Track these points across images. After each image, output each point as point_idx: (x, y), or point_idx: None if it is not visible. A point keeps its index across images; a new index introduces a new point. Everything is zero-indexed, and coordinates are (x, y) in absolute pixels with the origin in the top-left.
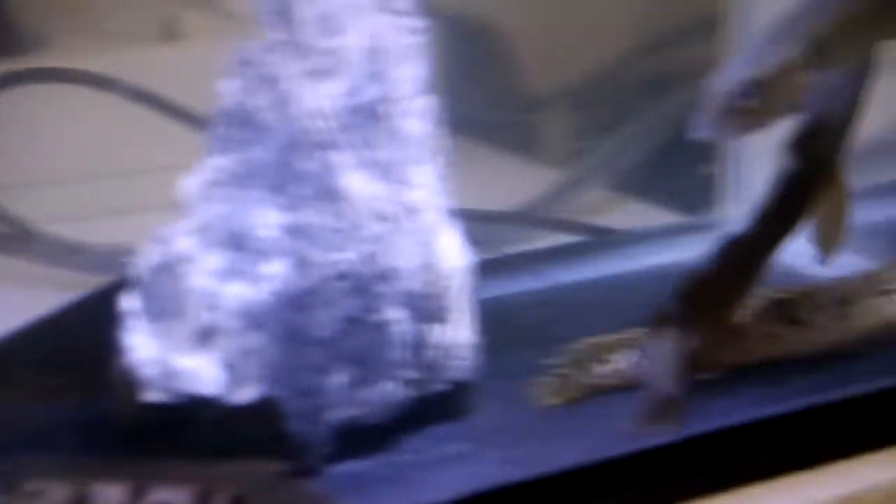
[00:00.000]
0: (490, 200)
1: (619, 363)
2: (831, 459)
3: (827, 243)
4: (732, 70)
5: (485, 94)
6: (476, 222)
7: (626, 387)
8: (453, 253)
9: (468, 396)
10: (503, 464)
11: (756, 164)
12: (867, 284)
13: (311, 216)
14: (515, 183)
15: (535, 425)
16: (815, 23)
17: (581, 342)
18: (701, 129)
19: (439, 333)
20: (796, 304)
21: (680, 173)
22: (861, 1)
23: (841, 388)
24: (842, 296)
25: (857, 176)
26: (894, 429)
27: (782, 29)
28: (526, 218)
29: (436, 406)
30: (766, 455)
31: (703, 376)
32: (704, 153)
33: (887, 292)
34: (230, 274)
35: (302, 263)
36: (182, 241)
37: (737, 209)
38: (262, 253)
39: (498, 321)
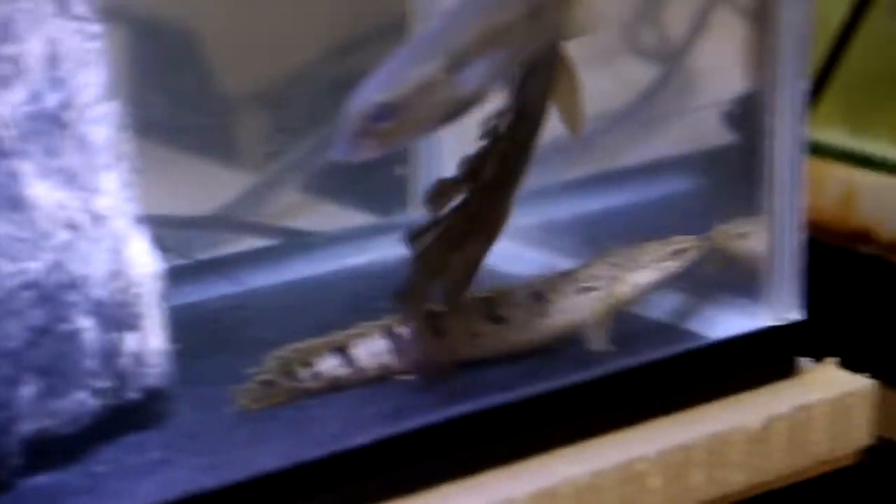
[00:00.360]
0: (182, 205)
1: (324, 367)
2: (525, 456)
3: (572, 124)
4: (368, 89)
5: (174, 98)
6: (169, 228)
7: (330, 390)
8: (143, 259)
9: (164, 404)
10: (200, 470)
11: (448, 163)
12: (566, 282)
13: None
14: (208, 187)
15: (234, 431)
16: (453, 38)
17: (286, 347)
18: (338, 152)
19: (131, 341)
20: (497, 302)
21: (373, 174)
22: (501, 13)
23: (537, 384)
24: (540, 293)
25: (547, 174)
26: (584, 424)
27: (419, 45)
28: (220, 222)
29: (130, 415)
30: (460, 453)
31: (408, 376)
32: (397, 154)
33: (585, 290)
34: None
35: None
36: None
37: None
38: None
39: (195, 327)
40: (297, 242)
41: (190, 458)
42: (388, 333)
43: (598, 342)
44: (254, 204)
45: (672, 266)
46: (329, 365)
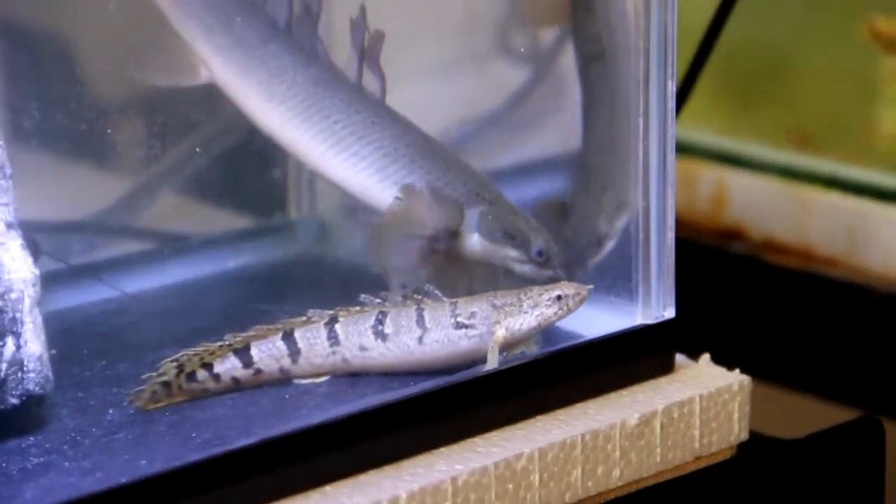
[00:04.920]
0: (60, 211)
1: (222, 368)
2: (407, 454)
3: None
4: None
5: (48, 103)
6: (46, 233)
7: (226, 391)
8: (20, 265)
9: (46, 409)
10: (83, 474)
11: None
12: (447, 313)
13: None
14: (85, 192)
15: (120, 433)
16: None
17: (183, 351)
18: None
19: (9, 347)
20: (386, 317)
21: (250, 177)
22: None
23: (418, 382)
24: (424, 318)
25: None
26: (465, 422)
27: None
28: (98, 227)
29: (11, 420)
30: (342, 452)
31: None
32: (273, 157)
33: (462, 326)
34: None
35: None
36: None
37: (310, 210)
38: None
39: (78, 331)
40: (178, 246)
41: (73, 463)
42: (287, 336)
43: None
44: (133, 208)
45: (551, 314)
46: (227, 366)
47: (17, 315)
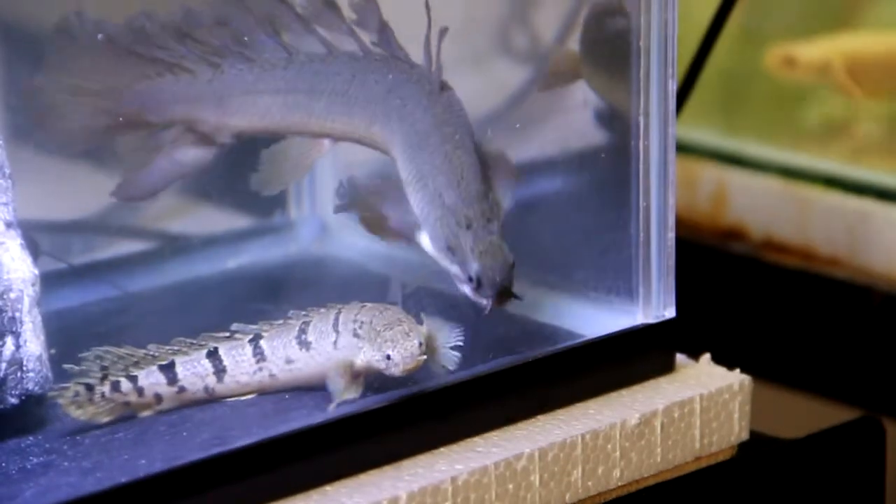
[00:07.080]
0: (59, 210)
1: (146, 382)
2: (407, 455)
3: None
4: None
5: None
6: (46, 232)
7: (147, 408)
8: (19, 265)
9: (45, 409)
10: (83, 474)
11: (322, 165)
12: (351, 315)
13: None
14: (84, 192)
15: (120, 433)
16: None
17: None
18: None
19: (9, 347)
20: (310, 326)
21: (248, 176)
22: None
23: (416, 383)
24: (338, 323)
25: None
26: (465, 422)
27: None
28: (98, 227)
29: (10, 420)
30: (342, 453)
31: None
32: None
33: (356, 335)
34: None
35: None
36: None
37: (310, 210)
38: None
39: (78, 331)
40: (177, 246)
41: (72, 463)
42: (212, 353)
43: (336, 392)
44: (132, 208)
45: (382, 366)
46: (152, 381)
47: (17, 314)
